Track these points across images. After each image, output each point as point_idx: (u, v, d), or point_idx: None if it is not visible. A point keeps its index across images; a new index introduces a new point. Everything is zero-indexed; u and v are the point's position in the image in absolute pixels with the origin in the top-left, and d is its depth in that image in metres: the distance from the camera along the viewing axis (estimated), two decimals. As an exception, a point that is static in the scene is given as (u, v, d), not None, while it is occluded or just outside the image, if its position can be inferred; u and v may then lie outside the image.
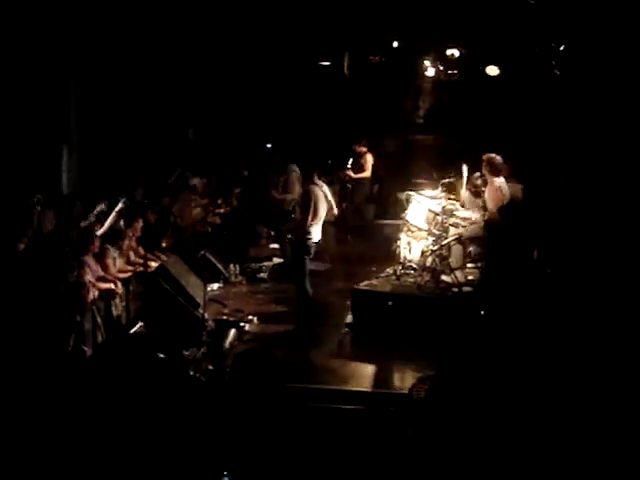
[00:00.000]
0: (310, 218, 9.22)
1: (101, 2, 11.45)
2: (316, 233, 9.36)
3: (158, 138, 14.89)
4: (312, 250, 9.39)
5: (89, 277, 8.89)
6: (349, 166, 13.97)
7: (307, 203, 9.30)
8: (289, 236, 10.77)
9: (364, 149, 14.51)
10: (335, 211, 9.90)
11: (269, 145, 16.46)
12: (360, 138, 14.50)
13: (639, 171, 7.55)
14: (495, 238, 9.39)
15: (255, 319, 9.64)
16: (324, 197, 9.46)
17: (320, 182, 9.55)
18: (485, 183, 9.79)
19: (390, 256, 10.64)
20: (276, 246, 12.57)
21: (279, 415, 6.18)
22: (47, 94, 11.96)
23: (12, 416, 6.24)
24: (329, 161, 14.24)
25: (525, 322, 8.05)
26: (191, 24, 12.86)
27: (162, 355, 7.82)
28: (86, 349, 7.99)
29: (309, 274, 9.49)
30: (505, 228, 9.30)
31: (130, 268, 9.85)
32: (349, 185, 14.14)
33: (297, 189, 12.03)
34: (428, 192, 10.59)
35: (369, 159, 14.52)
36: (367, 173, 14.58)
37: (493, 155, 9.70)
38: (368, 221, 15.17)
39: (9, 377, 6.69)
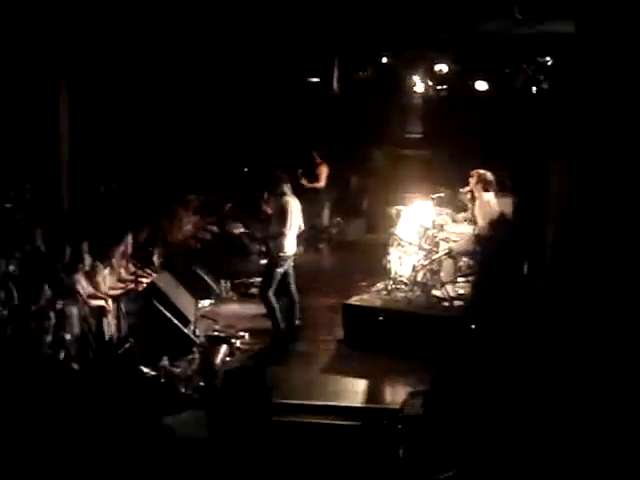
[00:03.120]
0: (286, 230, 9.20)
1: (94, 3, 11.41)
2: (290, 245, 9.34)
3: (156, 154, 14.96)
4: (285, 263, 9.34)
5: (80, 293, 8.90)
6: (301, 172, 14.07)
7: (283, 215, 9.26)
8: (262, 248, 10.79)
9: (320, 159, 14.64)
10: (302, 226, 9.77)
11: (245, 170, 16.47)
12: (319, 148, 14.67)
13: (632, 183, 7.59)
14: (485, 252, 9.42)
15: (246, 335, 9.62)
16: (297, 209, 9.48)
17: (291, 194, 9.49)
18: (473, 198, 9.81)
19: (380, 271, 10.63)
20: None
21: (269, 431, 6.18)
22: (38, 97, 11.98)
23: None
24: (300, 170, 14.29)
25: (516, 336, 8.07)
26: (182, 48, 12.90)
27: (151, 372, 7.85)
28: (75, 366, 7.96)
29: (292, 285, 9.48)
30: (495, 242, 9.33)
31: (121, 285, 9.83)
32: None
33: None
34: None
35: (324, 170, 14.63)
36: (321, 183, 14.67)
37: (483, 171, 9.74)
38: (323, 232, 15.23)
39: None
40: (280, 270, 9.31)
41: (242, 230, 13.48)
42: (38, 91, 12.02)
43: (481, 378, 6.88)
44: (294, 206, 9.40)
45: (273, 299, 9.31)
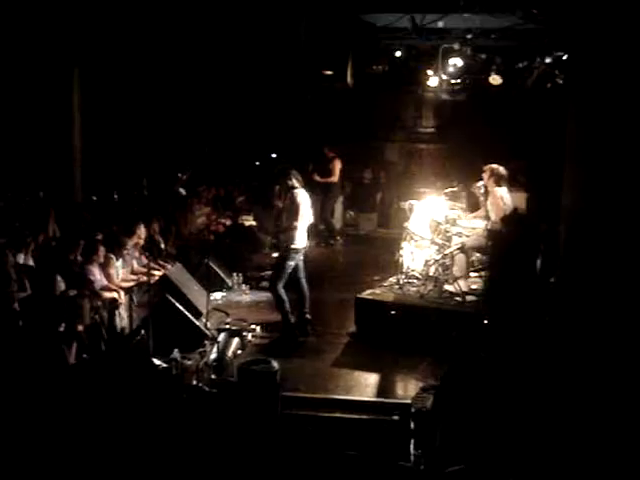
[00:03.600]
0: (296, 223, 9.18)
1: (104, 7, 11.45)
2: (301, 239, 9.30)
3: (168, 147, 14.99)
4: (296, 256, 9.31)
5: (93, 284, 8.93)
6: (311, 168, 14.07)
7: (293, 208, 9.25)
8: (273, 240, 10.74)
9: (332, 154, 14.62)
10: (312, 219, 9.74)
11: (274, 155, 16.49)
12: (330, 144, 14.67)
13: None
14: (498, 247, 9.39)
15: (258, 328, 9.62)
16: (308, 202, 9.46)
17: (301, 187, 9.45)
18: (486, 193, 9.79)
19: (393, 265, 10.63)
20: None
21: (278, 423, 6.19)
22: (51, 88, 12.02)
23: (11, 425, 6.26)
24: (311, 166, 14.29)
25: (529, 331, 8.04)
26: (194, 40, 12.90)
27: (163, 364, 7.86)
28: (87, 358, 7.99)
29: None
30: (508, 237, 9.30)
31: (133, 277, 9.85)
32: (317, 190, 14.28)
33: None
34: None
35: (337, 164, 14.61)
36: (334, 178, 14.67)
37: (496, 165, 9.73)
38: (336, 225, 15.23)
39: (9, 387, 6.70)
40: (291, 263, 9.29)
41: (254, 223, 13.51)
42: (51, 82, 12.05)
43: (492, 373, 6.87)
44: (304, 199, 9.36)
45: (282, 292, 9.30)
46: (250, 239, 13.13)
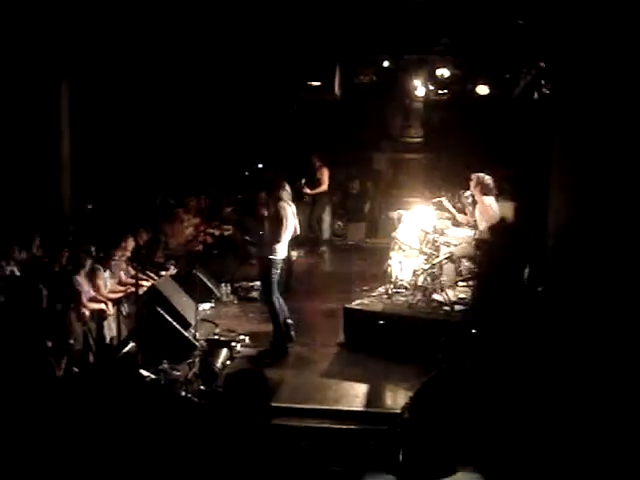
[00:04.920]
0: (281, 235, 9.22)
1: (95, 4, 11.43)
2: (282, 250, 9.34)
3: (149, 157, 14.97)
4: (278, 266, 9.33)
5: (81, 297, 8.89)
6: (303, 182, 14.11)
7: (278, 220, 9.26)
8: (255, 252, 10.75)
9: (319, 162, 14.67)
10: (298, 230, 9.79)
11: (260, 165, 16.50)
12: (317, 152, 14.73)
13: (634, 187, 7.60)
14: (486, 256, 9.41)
15: (247, 339, 9.61)
16: (292, 214, 9.48)
17: (288, 199, 9.47)
18: (474, 202, 9.82)
19: (381, 275, 10.64)
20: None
21: (268, 434, 6.15)
22: (40, 99, 12.00)
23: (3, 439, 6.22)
24: (302, 180, 14.33)
25: (516, 340, 8.07)
26: (183, 51, 12.91)
27: (151, 375, 7.83)
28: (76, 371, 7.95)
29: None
30: (496, 246, 9.32)
31: (121, 289, 9.82)
32: (306, 197, 14.32)
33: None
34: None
35: (325, 172, 14.67)
36: (324, 187, 14.73)
37: (482, 174, 9.77)
38: (324, 235, 15.28)
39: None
40: (277, 272, 9.32)
41: (242, 234, 13.49)
42: (39, 94, 12.03)
43: (477, 381, 6.88)
44: (290, 212, 9.39)
45: (277, 302, 9.33)
46: (238, 250, 13.10)
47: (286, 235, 9.33)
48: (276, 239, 9.20)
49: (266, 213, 11.81)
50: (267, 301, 9.44)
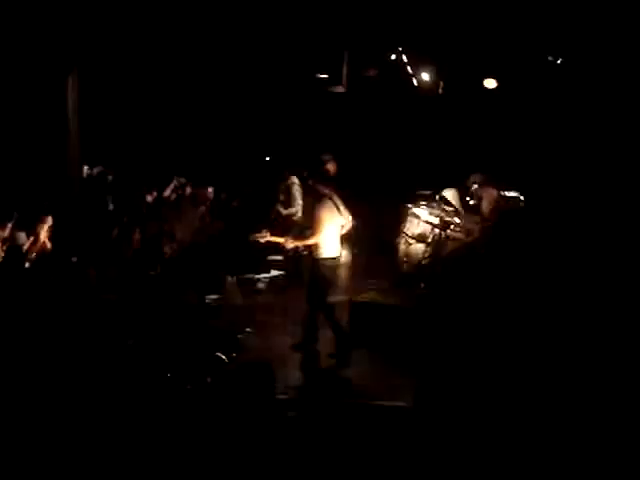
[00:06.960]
0: (322, 232, 8.63)
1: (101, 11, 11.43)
2: (331, 248, 8.73)
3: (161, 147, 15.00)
4: (331, 267, 8.79)
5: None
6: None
7: (319, 216, 8.69)
8: (304, 252, 10.21)
9: (328, 157, 14.58)
10: (350, 224, 9.04)
11: (267, 158, 16.50)
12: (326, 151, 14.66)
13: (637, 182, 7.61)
14: (492, 249, 9.41)
15: (252, 331, 9.61)
16: (337, 208, 8.84)
17: (329, 192, 8.87)
18: (479, 195, 9.84)
19: (388, 268, 10.65)
20: (275, 258, 12.56)
21: (272, 426, 6.18)
22: (47, 89, 11.98)
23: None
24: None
25: (521, 332, 8.06)
26: (190, 44, 12.90)
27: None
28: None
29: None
30: (501, 239, 9.32)
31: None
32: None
33: (300, 201, 12.06)
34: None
35: (332, 167, 14.56)
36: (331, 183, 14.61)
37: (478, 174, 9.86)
38: None
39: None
40: (327, 275, 8.78)
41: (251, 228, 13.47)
42: (47, 83, 12.01)
43: (483, 372, 6.90)
44: (331, 206, 8.76)
45: (330, 306, 8.83)
46: (244, 242, 13.07)
47: (330, 232, 8.68)
48: (318, 236, 8.62)
49: (283, 211, 11.65)
50: (322, 308, 8.82)
